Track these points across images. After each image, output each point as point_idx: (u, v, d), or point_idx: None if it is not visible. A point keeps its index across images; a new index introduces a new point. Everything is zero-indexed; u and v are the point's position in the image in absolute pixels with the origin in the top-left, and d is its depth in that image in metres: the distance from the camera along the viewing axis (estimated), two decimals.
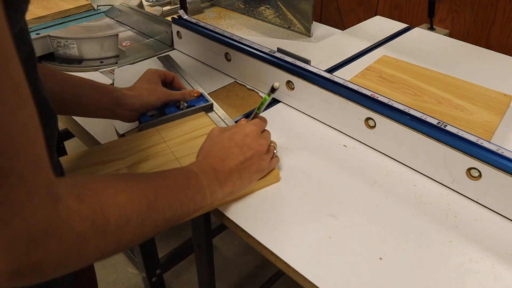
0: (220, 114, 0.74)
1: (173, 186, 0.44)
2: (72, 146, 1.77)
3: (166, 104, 0.73)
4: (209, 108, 0.74)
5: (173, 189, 0.44)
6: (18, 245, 0.25)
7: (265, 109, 0.77)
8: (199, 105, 0.74)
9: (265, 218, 0.55)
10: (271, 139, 0.61)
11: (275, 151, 0.61)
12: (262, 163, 0.57)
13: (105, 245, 0.32)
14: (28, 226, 0.25)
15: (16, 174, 0.25)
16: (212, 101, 0.75)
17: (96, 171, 0.60)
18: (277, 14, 1.18)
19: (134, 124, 0.73)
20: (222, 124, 0.71)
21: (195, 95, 0.74)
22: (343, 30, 1.11)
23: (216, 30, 0.88)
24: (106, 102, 0.64)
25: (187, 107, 0.73)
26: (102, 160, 0.62)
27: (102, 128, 0.78)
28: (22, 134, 0.25)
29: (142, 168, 0.60)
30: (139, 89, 0.68)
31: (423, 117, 0.61)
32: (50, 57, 0.99)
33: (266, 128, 0.61)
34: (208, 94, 0.82)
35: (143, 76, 0.72)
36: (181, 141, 0.66)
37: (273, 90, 0.57)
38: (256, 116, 0.61)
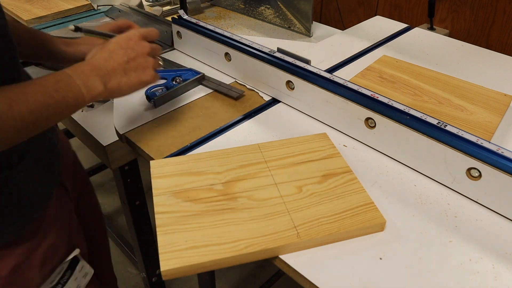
0: (213, 81, 0.84)
1: (35, 92, 0.47)
2: (72, 146, 1.76)
3: (169, 84, 0.82)
4: (201, 79, 0.84)
5: (34, 95, 0.47)
6: None
7: (265, 109, 0.78)
8: (193, 77, 0.83)
9: None
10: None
11: (161, 64, 0.66)
12: (147, 64, 0.60)
13: None
14: None
15: None
16: (203, 72, 0.84)
17: (190, 181, 0.58)
18: (277, 14, 1.18)
19: (134, 124, 0.73)
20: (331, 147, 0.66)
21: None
22: (343, 30, 1.11)
23: (216, 30, 0.88)
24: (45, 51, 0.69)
25: (183, 80, 0.83)
26: (198, 170, 0.60)
27: (102, 128, 0.78)
28: None
29: (238, 187, 0.57)
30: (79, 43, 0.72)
31: (423, 117, 0.61)
32: None
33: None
34: (208, 94, 0.82)
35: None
36: (283, 165, 0.61)
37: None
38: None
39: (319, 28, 1.16)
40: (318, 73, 0.72)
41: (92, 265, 0.84)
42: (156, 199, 0.56)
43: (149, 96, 0.78)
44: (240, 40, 0.83)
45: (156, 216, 0.53)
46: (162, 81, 0.81)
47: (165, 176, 0.59)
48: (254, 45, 0.81)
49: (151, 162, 0.61)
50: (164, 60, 0.92)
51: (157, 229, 0.52)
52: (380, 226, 0.53)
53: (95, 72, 0.55)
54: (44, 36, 0.69)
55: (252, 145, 0.65)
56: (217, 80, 0.84)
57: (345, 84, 0.69)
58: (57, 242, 0.56)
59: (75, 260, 0.57)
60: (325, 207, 0.54)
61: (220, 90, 0.82)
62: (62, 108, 0.50)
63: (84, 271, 0.58)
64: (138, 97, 0.80)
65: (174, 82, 0.82)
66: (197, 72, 0.85)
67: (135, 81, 0.59)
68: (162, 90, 0.79)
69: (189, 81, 0.82)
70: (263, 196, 0.56)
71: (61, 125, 0.77)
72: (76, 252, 0.58)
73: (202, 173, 0.60)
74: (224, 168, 0.61)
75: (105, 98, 0.58)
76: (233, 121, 0.74)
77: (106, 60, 0.57)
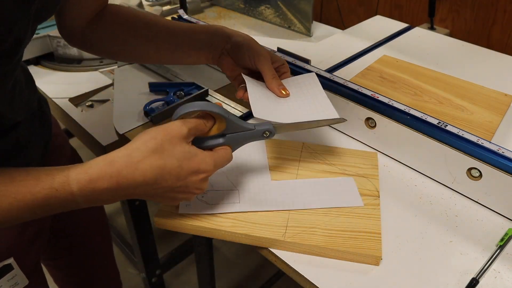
0: (218, 97, 0.79)
1: (11, 209, 0.39)
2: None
3: (170, 99, 0.77)
4: (205, 94, 0.80)
5: (10, 212, 0.39)
6: None
7: None
8: (195, 92, 0.79)
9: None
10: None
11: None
12: (187, 195, 0.47)
13: None
14: None
15: None
16: (207, 87, 0.80)
17: None
18: (277, 13, 1.18)
19: (134, 124, 0.73)
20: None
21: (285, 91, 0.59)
22: (343, 30, 1.11)
23: None
24: (208, 45, 0.61)
25: (185, 95, 0.78)
26: None
27: (102, 128, 0.78)
28: None
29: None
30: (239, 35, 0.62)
31: (424, 117, 0.61)
32: (50, 57, 0.99)
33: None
34: None
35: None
36: (313, 168, 0.61)
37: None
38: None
39: (319, 28, 1.16)
40: (318, 73, 0.72)
41: (93, 267, 0.83)
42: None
43: (147, 112, 0.74)
44: None
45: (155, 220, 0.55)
46: (162, 96, 0.80)
47: None
48: None
49: None
50: (168, 71, 0.89)
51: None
52: (374, 259, 0.49)
53: (114, 193, 0.42)
54: (201, 26, 0.63)
55: (297, 142, 0.65)
56: (221, 97, 0.81)
57: (345, 84, 0.69)
58: None
59: (7, 268, 0.53)
60: (328, 220, 0.53)
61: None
62: (44, 216, 0.42)
63: (15, 280, 0.55)
64: (138, 98, 0.80)
65: (175, 97, 0.78)
66: (200, 87, 0.81)
67: (157, 200, 0.47)
68: (162, 105, 0.75)
69: (191, 96, 0.78)
70: None
71: (61, 125, 0.76)
72: (9, 260, 0.52)
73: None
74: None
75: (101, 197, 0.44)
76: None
77: (147, 183, 0.42)
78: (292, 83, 0.61)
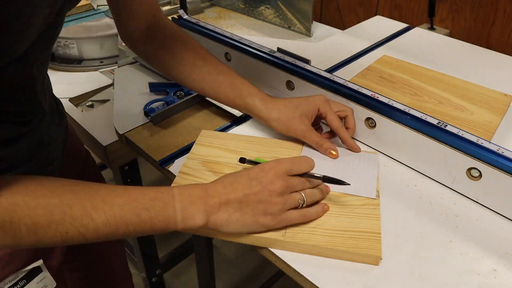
0: (216, 102, 0.77)
1: (121, 205, 0.43)
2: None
3: (170, 99, 0.77)
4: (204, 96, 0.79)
5: (119, 208, 0.43)
6: None
7: None
8: (195, 92, 0.77)
9: None
10: (315, 192, 0.52)
11: (301, 202, 0.50)
12: (272, 207, 0.48)
13: (17, 242, 0.40)
14: None
15: None
16: None
17: (223, 156, 0.62)
18: (277, 14, 1.18)
19: (134, 124, 0.73)
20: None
21: (332, 153, 0.62)
22: (343, 30, 1.11)
23: (216, 30, 0.88)
24: (238, 105, 0.66)
25: (185, 95, 0.78)
26: (235, 149, 0.64)
27: (102, 128, 0.78)
28: None
29: None
30: (276, 109, 0.64)
31: (423, 117, 0.61)
32: (50, 56, 0.98)
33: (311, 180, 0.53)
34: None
35: (303, 99, 0.64)
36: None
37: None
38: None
39: (319, 28, 1.16)
40: (318, 73, 0.72)
41: (106, 268, 0.83)
42: (186, 161, 0.61)
43: (147, 113, 0.74)
44: (240, 40, 0.83)
45: (178, 174, 0.59)
46: (162, 96, 0.79)
47: (205, 145, 0.65)
48: (254, 45, 0.81)
49: (202, 130, 0.67)
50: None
51: (172, 185, 0.56)
52: (374, 259, 0.49)
53: (203, 200, 0.47)
54: (243, 87, 0.65)
55: (297, 143, 0.65)
56: None
57: (345, 84, 0.69)
58: (14, 252, 0.52)
59: (36, 271, 0.54)
60: (328, 220, 0.53)
61: (223, 108, 0.77)
62: (144, 229, 0.45)
63: (44, 283, 0.55)
64: (138, 98, 0.80)
65: (175, 97, 0.78)
66: None
67: (249, 221, 0.48)
68: (162, 105, 0.75)
69: (191, 96, 0.78)
70: None
71: None
72: (38, 263, 0.54)
73: (237, 153, 0.63)
74: (258, 154, 0.63)
75: (206, 229, 0.49)
76: (232, 121, 0.74)
77: (225, 187, 0.48)
78: (351, 155, 0.64)
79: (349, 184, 0.52)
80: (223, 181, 0.49)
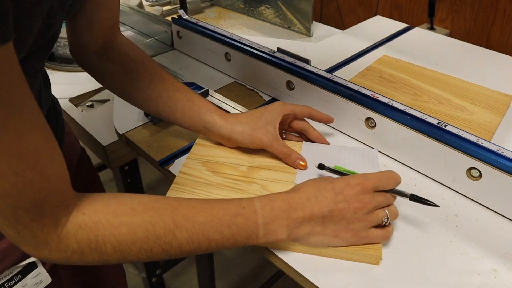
0: (218, 97, 0.79)
1: (204, 222, 0.43)
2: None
3: None
4: (205, 94, 0.79)
5: (202, 226, 0.43)
6: (36, 242, 0.38)
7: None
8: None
9: None
10: (394, 209, 0.51)
11: (385, 220, 0.49)
12: (355, 224, 0.47)
13: (104, 259, 0.40)
14: (40, 237, 0.37)
15: (47, 212, 0.36)
16: (207, 87, 0.79)
17: (223, 156, 0.62)
18: (277, 14, 1.18)
19: (134, 124, 0.73)
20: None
21: (301, 164, 0.60)
22: (343, 30, 1.11)
23: (216, 30, 0.88)
24: (196, 123, 0.62)
25: None
26: (234, 149, 0.63)
27: (102, 128, 0.78)
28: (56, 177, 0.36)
29: (259, 174, 0.59)
30: (239, 122, 0.61)
31: (423, 117, 0.61)
32: (50, 57, 0.99)
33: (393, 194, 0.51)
34: None
35: (263, 108, 0.62)
36: None
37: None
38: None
39: (319, 28, 1.16)
40: (318, 73, 0.72)
41: (99, 267, 0.83)
42: (186, 161, 0.62)
43: (147, 113, 0.74)
44: (240, 40, 0.83)
45: (178, 174, 0.59)
46: None
47: (205, 145, 0.65)
48: (254, 45, 0.81)
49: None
50: (168, 71, 0.89)
51: (172, 185, 0.57)
52: (374, 259, 0.49)
53: (287, 214, 0.46)
54: (201, 103, 0.62)
55: (297, 142, 0.66)
56: (222, 97, 0.80)
57: (345, 84, 0.69)
58: (9, 247, 0.52)
59: (31, 266, 0.54)
60: None
61: (223, 108, 0.77)
62: (226, 245, 0.44)
63: (39, 278, 0.55)
64: None
65: None
66: (201, 87, 0.80)
67: (331, 236, 0.47)
68: None
69: None
70: (275, 189, 0.56)
71: None
72: (33, 258, 0.54)
73: (237, 152, 0.63)
74: (259, 154, 0.63)
75: (282, 241, 0.48)
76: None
77: (309, 199, 0.46)
78: (351, 152, 0.64)
79: (438, 206, 0.50)
80: (306, 192, 0.47)
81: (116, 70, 0.62)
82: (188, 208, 0.43)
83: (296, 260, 0.50)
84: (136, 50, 0.64)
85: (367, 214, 0.47)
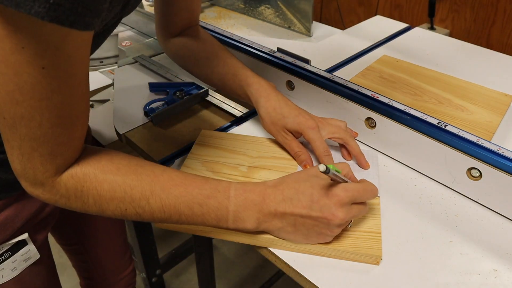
0: (218, 97, 0.79)
1: (178, 196, 0.45)
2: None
3: (171, 98, 0.77)
4: (205, 94, 0.79)
5: (176, 199, 0.45)
6: (34, 181, 0.42)
7: None
8: (195, 92, 0.78)
9: None
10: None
11: (349, 226, 0.51)
12: (327, 232, 0.48)
13: (85, 208, 0.44)
14: (39, 178, 0.42)
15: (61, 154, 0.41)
16: (207, 87, 0.79)
17: (222, 156, 0.63)
18: (277, 13, 1.18)
19: (134, 124, 0.73)
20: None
21: (306, 167, 0.61)
22: (343, 30, 1.11)
23: (216, 30, 0.88)
24: (240, 95, 0.68)
25: (185, 95, 0.78)
26: (234, 149, 0.64)
27: (102, 128, 0.78)
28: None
29: (259, 174, 0.60)
30: (264, 108, 0.63)
31: (424, 117, 0.61)
32: None
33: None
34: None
35: (294, 113, 0.62)
36: None
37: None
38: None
39: (319, 28, 1.16)
40: (318, 73, 0.72)
41: (105, 251, 0.85)
42: (186, 161, 0.61)
43: (147, 113, 0.74)
44: (240, 40, 0.83)
45: None
46: (162, 96, 0.80)
47: (205, 145, 0.65)
48: (254, 45, 0.81)
49: (202, 130, 0.68)
50: (168, 71, 0.89)
51: None
52: (374, 259, 0.49)
53: (259, 207, 0.47)
54: (243, 76, 0.66)
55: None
56: (222, 97, 0.80)
57: (345, 84, 0.69)
58: (1, 225, 0.54)
59: (22, 244, 0.57)
60: None
61: (223, 108, 0.77)
62: (195, 221, 0.47)
63: (28, 255, 0.58)
64: (138, 98, 0.80)
65: (175, 97, 0.78)
66: (201, 87, 0.80)
67: (301, 238, 0.49)
68: (162, 105, 0.75)
69: (191, 96, 0.77)
70: None
71: None
72: (24, 236, 0.56)
73: (236, 153, 0.63)
74: (258, 154, 0.63)
75: (249, 231, 0.49)
76: (232, 121, 0.74)
77: (284, 200, 0.47)
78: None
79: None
80: (283, 191, 0.48)
81: (186, 49, 0.73)
82: (167, 179, 0.46)
83: (296, 260, 0.50)
84: (208, 37, 0.75)
85: (338, 226, 0.48)
